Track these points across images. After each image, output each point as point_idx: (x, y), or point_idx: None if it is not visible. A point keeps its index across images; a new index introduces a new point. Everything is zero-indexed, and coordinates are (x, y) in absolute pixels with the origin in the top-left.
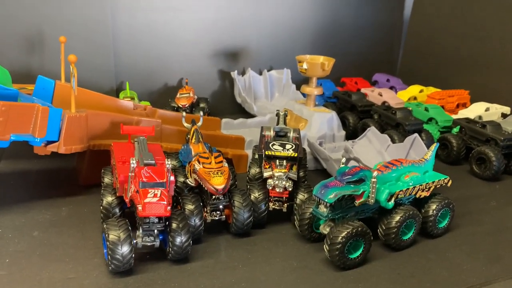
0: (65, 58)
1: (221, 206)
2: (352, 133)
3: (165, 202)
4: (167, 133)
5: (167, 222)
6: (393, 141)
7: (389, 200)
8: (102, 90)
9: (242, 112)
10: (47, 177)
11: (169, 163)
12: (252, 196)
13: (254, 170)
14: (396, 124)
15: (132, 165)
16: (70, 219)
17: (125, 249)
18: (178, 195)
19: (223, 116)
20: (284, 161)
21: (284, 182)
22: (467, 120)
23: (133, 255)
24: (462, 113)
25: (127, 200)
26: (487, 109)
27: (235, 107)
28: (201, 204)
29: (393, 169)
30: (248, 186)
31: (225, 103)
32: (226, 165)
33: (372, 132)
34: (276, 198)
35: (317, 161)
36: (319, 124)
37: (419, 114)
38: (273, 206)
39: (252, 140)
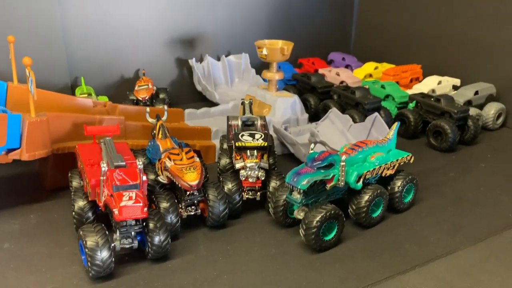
0: (15, 57)
1: (196, 201)
2: (314, 115)
3: (141, 204)
4: (131, 130)
5: (144, 223)
6: (354, 121)
7: (358, 181)
8: (57, 88)
9: (203, 100)
10: (8, 184)
11: (140, 163)
12: (225, 188)
13: (224, 161)
14: (356, 104)
15: (103, 169)
16: (41, 227)
17: (104, 254)
18: (151, 193)
19: (185, 106)
20: (255, 151)
21: (256, 172)
22: (422, 95)
23: (113, 259)
24: (417, 88)
25: (100, 205)
26: (439, 83)
27: (196, 96)
28: (176, 201)
29: (359, 151)
30: (221, 178)
31: (186, 92)
32: (198, 159)
33: (334, 113)
34: (249, 187)
35: (284, 145)
36: (283, 109)
37: (377, 92)
38: (247, 196)
39: (218, 130)
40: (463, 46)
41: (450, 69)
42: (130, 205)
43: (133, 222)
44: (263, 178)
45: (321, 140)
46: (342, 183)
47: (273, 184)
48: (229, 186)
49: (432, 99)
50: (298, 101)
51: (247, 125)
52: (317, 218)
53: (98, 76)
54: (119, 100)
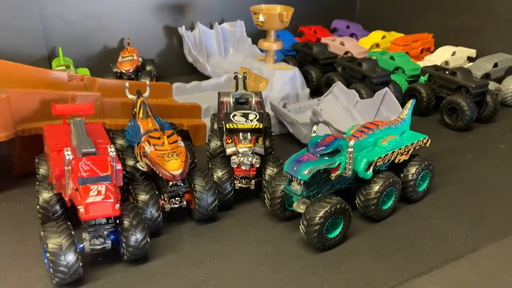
0: None
1: (180, 192)
2: (316, 89)
3: (112, 200)
4: (109, 108)
5: (117, 221)
6: (361, 97)
7: (368, 169)
8: (32, 59)
9: (195, 72)
10: None
11: (113, 150)
12: (215, 176)
13: (215, 144)
14: (363, 77)
15: (67, 157)
16: (3, 220)
17: (69, 258)
18: (129, 183)
19: (174, 79)
20: (249, 134)
21: (250, 159)
22: (436, 67)
23: (81, 264)
24: (429, 59)
25: (66, 199)
26: (453, 53)
27: (186, 68)
28: (156, 192)
29: (369, 133)
30: (210, 165)
31: (175, 63)
32: (182, 144)
33: (338, 87)
34: (243, 175)
35: (282, 125)
36: (281, 83)
37: (385, 63)
38: (240, 185)
39: (209, 107)
40: (479, 13)
41: (465, 39)
42: (98, 202)
43: (104, 220)
44: (257, 165)
45: (325, 120)
46: (350, 172)
47: (269, 171)
48: (218, 174)
49: (447, 72)
50: (298, 74)
51: (240, 103)
52: (320, 214)
53: (78, 46)
54: (101, 73)
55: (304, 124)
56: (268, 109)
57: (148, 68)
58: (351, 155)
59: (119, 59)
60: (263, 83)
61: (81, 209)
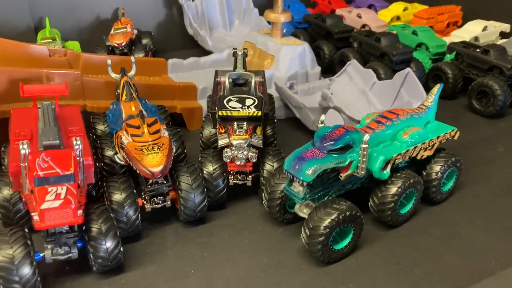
0: None
1: (162, 191)
2: (328, 67)
3: (73, 205)
4: (91, 88)
5: (84, 227)
6: (379, 77)
7: (384, 168)
8: (17, 31)
9: (196, 46)
10: None
11: (78, 143)
12: (205, 171)
13: (209, 131)
14: (381, 54)
15: (22, 151)
16: None
17: (24, 272)
18: (107, 177)
19: (173, 54)
20: (245, 123)
21: (245, 152)
22: (465, 44)
23: (39, 279)
24: (456, 35)
25: (24, 200)
26: (484, 28)
27: (187, 41)
28: (134, 191)
29: (388, 124)
30: (200, 158)
31: (174, 37)
32: (166, 134)
33: (353, 66)
34: (238, 171)
35: (288, 108)
36: (289, 61)
37: (407, 39)
38: (234, 181)
39: (206, 88)
40: None
41: (498, 11)
42: (56, 208)
43: (66, 228)
44: (254, 160)
45: (335, 106)
46: (363, 172)
47: (269, 166)
48: (209, 168)
49: (477, 50)
50: (309, 50)
51: (239, 84)
52: (326, 223)
53: (68, 17)
54: (94, 46)
55: (312, 109)
56: (272, 90)
57: (144, 41)
58: (365, 152)
59: (111, 31)
60: (268, 60)
61: (35, 216)
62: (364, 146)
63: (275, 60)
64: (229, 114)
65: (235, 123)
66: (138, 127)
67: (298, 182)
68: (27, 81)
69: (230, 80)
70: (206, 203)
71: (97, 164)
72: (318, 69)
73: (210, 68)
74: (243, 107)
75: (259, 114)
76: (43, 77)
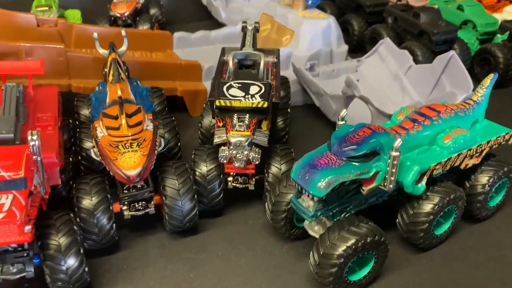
0: None
1: (142, 197)
2: (357, 45)
3: (19, 220)
4: (78, 65)
5: (39, 242)
6: (416, 60)
7: (419, 180)
8: None
9: (210, 18)
10: None
11: (35, 139)
12: (198, 172)
13: (209, 120)
14: (420, 33)
15: None
16: None
17: None
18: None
19: (184, 27)
20: (247, 115)
21: (246, 153)
22: None
23: None
24: (509, 11)
25: None
26: None
27: (201, 12)
28: (108, 196)
29: (426, 124)
30: (193, 155)
31: (186, 7)
32: (151, 127)
33: (385, 45)
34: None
35: (307, 93)
36: (311, 37)
37: (451, 15)
38: (234, 184)
39: (213, 67)
40: None
41: None
42: None
43: (14, 246)
44: (257, 162)
45: (362, 96)
46: (391, 186)
47: (275, 169)
48: (202, 169)
49: None
50: (335, 26)
51: (246, 65)
52: (340, 251)
53: None
54: (93, 18)
55: (334, 97)
56: (289, 72)
57: (152, 11)
58: (395, 162)
59: (114, 0)
60: (287, 36)
61: None
62: (394, 154)
63: (295, 36)
64: (228, 104)
65: (235, 115)
66: (115, 118)
67: (308, 196)
68: (3, 56)
69: (235, 60)
70: (197, 212)
71: (71, 158)
72: (344, 47)
73: (221, 44)
74: (246, 96)
75: (265, 105)
76: (21, 51)
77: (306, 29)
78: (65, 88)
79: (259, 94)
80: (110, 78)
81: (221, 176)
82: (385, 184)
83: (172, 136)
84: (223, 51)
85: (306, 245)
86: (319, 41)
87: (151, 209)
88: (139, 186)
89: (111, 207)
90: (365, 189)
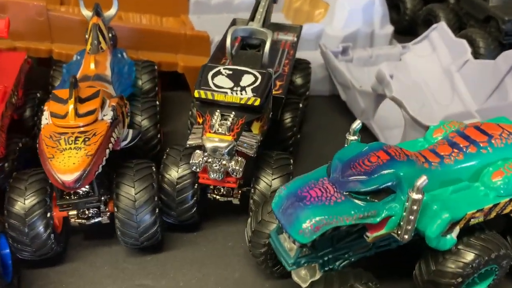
0: None
1: (87, 206)
2: (407, 27)
3: None
4: (62, 27)
5: None
6: (476, 54)
7: (448, 231)
8: None
9: None
10: None
11: None
12: (166, 178)
13: None
14: (486, 18)
15: None
16: None
17: None
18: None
19: None
20: (232, 113)
21: (224, 162)
22: None
23: None
24: None
25: None
26: None
27: None
28: (46, 199)
29: (470, 153)
30: (165, 156)
31: None
32: (108, 117)
33: (439, 31)
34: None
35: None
36: (348, 13)
37: None
38: (213, 195)
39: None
40: None
41: None
42: None
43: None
44: (238, 176)
45: (394, 97)
46: (406, 236)
47: (263, 184)
48: (172, 174)
49: None
50: (380, 1)
51: (250, 46)
52: None
53: None
54: None
55: (363, 93)
56: (316, 55)
57: None
58: (415, 207)
59: None
60: (320, 10)
61: None
62: (415, 197)
63: (330, 10)
64: (209, 97)
65: (218, 112)
66: (64, 102)
67: (289, 237)
68: None
69: (231, 39)
70: (158, 229)
71: (21, 144)
72: (389, 29)
73: (245, 13)
74: (235, 89)
75: (257, 103)
76: None
77: (343, 3)
78: (45, 53)
79: (251, 86)
80: (88, 46)
81: (196, 186)
82: (399, 233)
83: (151, 125)
84: (234, 24)
85: (294, 286)
86: (358, 19)
87: (103, 218)
88: (82, 192)
89: (49, 213)
90: (370, 236)
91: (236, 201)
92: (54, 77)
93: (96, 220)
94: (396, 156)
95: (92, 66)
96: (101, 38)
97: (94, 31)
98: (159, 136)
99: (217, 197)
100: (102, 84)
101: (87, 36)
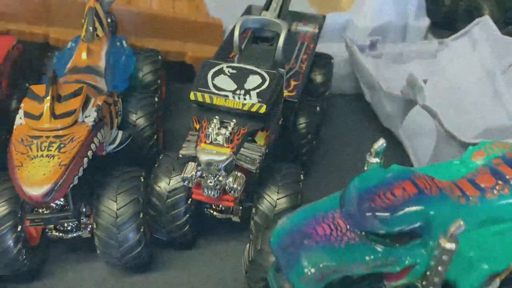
0: None
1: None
2: (446, 20)
3: None
4: (60, 9)
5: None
6: None
7: (486, 284)
8: None
9: None
10: None
11: None
12: (156, 191)
13: None
14: None
15: None
16: None
17: None
18: None
19: None
20: (233, 122)
21: (220, 178)
22: None
23: None
24: None
25: None
26: None
27: None
28: (16, 210)
29: None
30: (156, 165)
31: None
32: (90, 119)
33: (482, 26)
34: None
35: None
36: (379, 3)
37: None
38: (210, 210)
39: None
40: None
41: None
42: None
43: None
44: (237, 195)
45: (427, 106)
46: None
47: (266, 203)
48: (162, 186)
49: None
50: None
51: (262, 39)
52: None
53: None
54: None
55: (390, 96)
56: (340, 49)
57: None
58: (446, 258)
59: None
60: None
61: None
62: (448, 246)
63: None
64: (207, 100)
65: (216, 119)
66: (40, 100)
67: (288, 282)
68: None
69: (240, 30)
70: (144, 250)
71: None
72: (425, 21)
73: None
74: (238, 92)
75: (262, 110)
76: None
77: None
78: (41, 38)
79: (257, 90)
80: (83, 33)
81: (190, 201)
82: (424, 283)
83: (147, 125)
84: (248, 12)
85: None
86: (390, 9)
87: (85, 232)
88: (54, 205)
89: (21, 226)
90: (388, 285)
91: (236, 219)
92: (48, 65)
93: (75, 234)
94: (426, 190)
95: (84, 56)
96: (97, 24)
97: (90, 15)
98: (155, 137)
99: (215, 213)
100: (93, 77)
101: (83, 21)
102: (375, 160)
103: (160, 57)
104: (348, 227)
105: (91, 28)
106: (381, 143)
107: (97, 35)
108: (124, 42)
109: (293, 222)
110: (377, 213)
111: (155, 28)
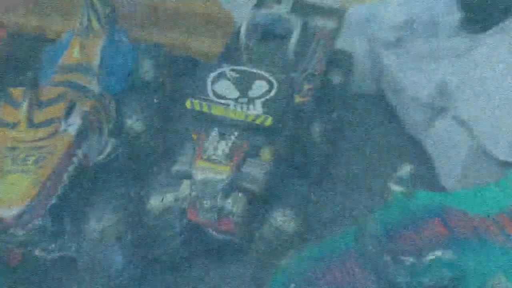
0: None
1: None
2: (479, 14)
3: None
4: None
5: None
6: None
7: None
8: None
9: None
10: None
11: None
12: (147, 209)
13: None
14: None
15: None
16: None
17: None
18: None
19: None
20: (234, 135)
21: (218, 200)
22: None
23: None
24: None
25: None
26: None
27: None
28: None
29: None
30: (151, 177)
31: None
32: (73, 128)
33: None
34: None
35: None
36: None
37: None
38: (209, 229)
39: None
40: None
41: None
42: None
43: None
44: (236, 219)
45: (457, 116)
46: None
47: (270, 228)
48: (153, 204)
49: None
50: None
51: (271, 34)
52: None
53: None
54: None
55: (417, 102)
56: (360, 47)
57: None
58: None
59: None
60: None
61: None
62: None
63: None
64: (205, 110)
65: (215, 131)
66: (17, 105)
67: None
68: None
69: (247, 27)
70: (132, 276)
71: None
72: (457, 15)
73: None
74: (240, 100)
75: (268, 123)
76: None
77: None
78: (35, 30)
79: (263, 98)
80: (77, 26)
81: (184, 220)
82: None
83: (142, 130)
84: (260, 2)
85: None
86: (418, 1)
87: (68, 253)
88: (31, 226)
89: None
90: None
91: (236, 240)
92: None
93: (58, 254)
94: (459, 231)
95: (76, 53)
96: (92, 16)
97: (85, 7)
98: (152, 144)
99: (214, 233)
100: (84, 77)
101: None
102: (399, 188)
103: (162, 52)
104: (363, 273)
105: (85, 19)
106: (406, 170)
107: (93, 29)
108: (124, 36)
109: (299, 265)
110: (400, 257)
111: (159, 20)
